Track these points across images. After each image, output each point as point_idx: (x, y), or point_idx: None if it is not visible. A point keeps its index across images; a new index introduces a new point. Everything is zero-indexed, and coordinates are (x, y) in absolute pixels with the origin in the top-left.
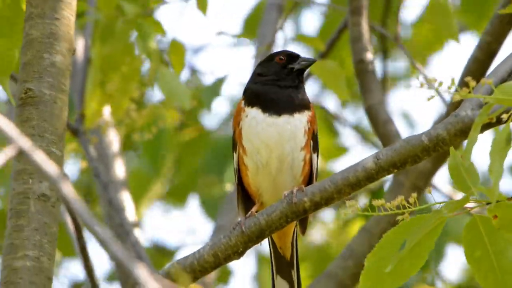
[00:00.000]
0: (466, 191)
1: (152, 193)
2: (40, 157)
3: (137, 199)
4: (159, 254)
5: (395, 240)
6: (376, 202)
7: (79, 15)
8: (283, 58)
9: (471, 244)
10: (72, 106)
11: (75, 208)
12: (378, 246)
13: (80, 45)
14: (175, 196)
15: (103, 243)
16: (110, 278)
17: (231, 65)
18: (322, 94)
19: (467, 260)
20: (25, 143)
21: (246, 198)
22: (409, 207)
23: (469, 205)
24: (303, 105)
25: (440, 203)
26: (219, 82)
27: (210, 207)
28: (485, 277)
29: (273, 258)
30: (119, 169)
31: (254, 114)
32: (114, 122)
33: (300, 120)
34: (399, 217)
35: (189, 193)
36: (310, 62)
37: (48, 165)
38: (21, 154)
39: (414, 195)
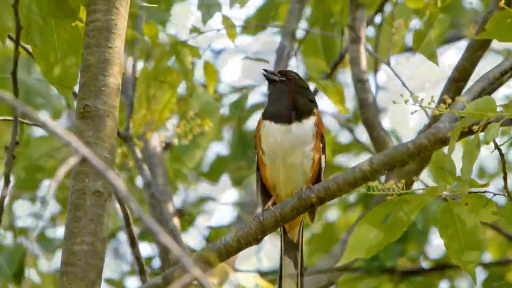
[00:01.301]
0: (444, 182)
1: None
2: (98, 162)
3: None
4: None
5: (382, 213)
6: (372, 183)
7: (129, 41)
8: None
9: (445, 224)
10: (122, 116)
11: (127, 202)
12: (367, 217)
13: (129, 64)
14: (210, 177)
15: (151, 231)
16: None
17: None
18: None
19: (441, 236)
20: (86, 151)
21: (264, 190)
22: (398, 190)
23: (446, 193)
24: (309, 111)
25: (423, 189)
26: (243, 97)
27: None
28: (454, 251)
29: (282, 242)
30: (160, 167)
31: (269, 124)
32: (157, 129)
33: (308, 125)
34: (389, 197)
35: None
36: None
37: (104, 167)
38: (83, 160)
39: (403, 181)
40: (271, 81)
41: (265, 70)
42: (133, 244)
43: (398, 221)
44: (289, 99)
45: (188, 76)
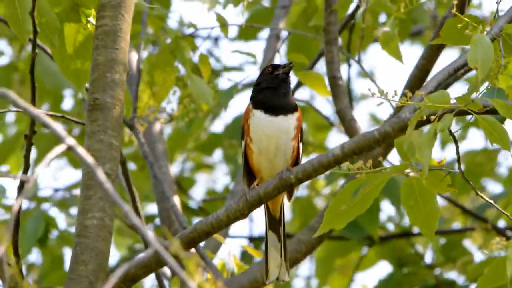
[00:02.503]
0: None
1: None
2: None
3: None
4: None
5: (352, 189)
6: (343, 164)
7: (134, 34)
8: (269, 68)
9: (406, 196)
10: (128, 104)
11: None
12: (340, 193)
13: (134, 56)
14: (204, 152)
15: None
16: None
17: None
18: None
19: (404, 207)
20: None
21: (249, 173)
22: (366, 169)
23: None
24: (292, 108)
25: (387, 168)
26: (234, 87)
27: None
28: (415, 218)
29: (266, 218)
30: (161, 149)
31: (258, 114)
32: (157, 113)
33: (291, 119)
34: (357, 176)
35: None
36: (288, 66)
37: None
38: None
39: (370, 161)
40: (285, 76)
41: (285, 65)
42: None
43: (366, 195)
44: (283, 95)
45: (186, 65)
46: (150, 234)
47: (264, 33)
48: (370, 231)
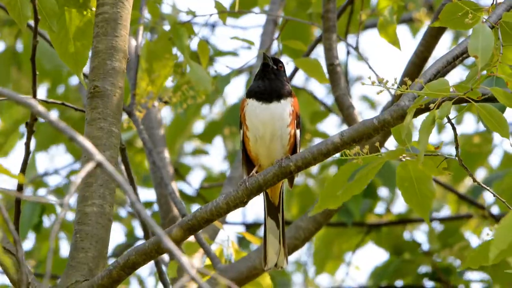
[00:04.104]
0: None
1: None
2: (110, 167)
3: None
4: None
5: (347, 171)
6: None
7: (133, 20)
8: (264, 60)
9: (402, 178)
10: (127, 90)
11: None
12: (335, 175)
13: (133, 43)
14: (204, 138)
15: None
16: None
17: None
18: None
19: (399, 188)
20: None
21: (248, 161)
22: (362, 154)
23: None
24: (287, 93)
25: (383, 153)
26: (231, 74)
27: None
28: (410, 199)
29: (265, 204)
30: (160, 135)
31: (252, 102)
32: (156, 99)
33: (285, 105)
34: (354, 160)
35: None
36: (275, 60)
37: (116, 172)
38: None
39: (367, 146)
40: (266, 65)
41: (266, 55)
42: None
43: (361, 178)
44: (273, 83)
45: (185, 52)
46: (153, 221)
47: (259, 18)
48: (353, 210)
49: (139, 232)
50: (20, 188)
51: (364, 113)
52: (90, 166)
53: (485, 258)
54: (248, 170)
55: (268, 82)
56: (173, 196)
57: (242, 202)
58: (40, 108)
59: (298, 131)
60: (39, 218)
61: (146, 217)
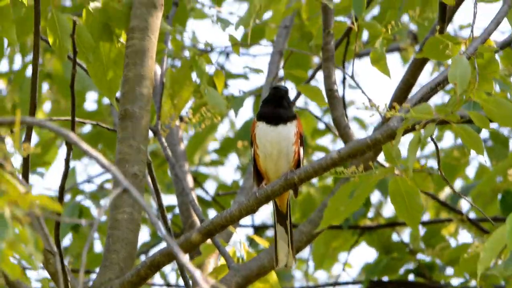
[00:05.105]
0: (393, 164)
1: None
2: (135, 192)
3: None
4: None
5: (347, 190)
6: (338, 169)
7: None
8: (273, 90)
9: (394, 193)
10: (153, 112)
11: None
12: (337, 193)
13: (158, 70)
14: (220, 153)
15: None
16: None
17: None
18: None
19: (392, 203)
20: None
21: (258, 174)
22: (357, 172)
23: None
24: (291, 117)
25: (376, 171)
26: (243, 96)
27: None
28: (401, 213)
29: (275, 213)
30: (181, 151)
31: (261, 125)
32: (178, 121)
33: (291, 127)
34: (352, 179)
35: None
36: (285, 89)
37: (139, 195)
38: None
39: (361, 166)
40: (280, 96)
41: (279, 86)
42: (162, 214)
43: (359, 195)
44: (281, 109)
45: (203, 79)
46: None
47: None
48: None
49: None
50: (60, 199)
51: (356, 133)
52: (118, 190)
53: (473, 266)
54: (258, 182)
55: (277, 109)
56: (193, 204)
57: (253, 210)
58: (76, 138)
59: (301, 149)
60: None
61: (166, 237)
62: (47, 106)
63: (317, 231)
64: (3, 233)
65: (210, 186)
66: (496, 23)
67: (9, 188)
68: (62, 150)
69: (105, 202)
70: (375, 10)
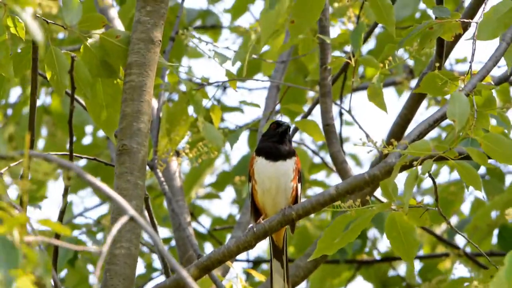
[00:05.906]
0: (390, 199)
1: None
2: (142, 221)
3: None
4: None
5: (342, 222)
6: (335, 203)
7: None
8: (274, 125)
9: (390, 229)
10: (150, 147)
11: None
12: (333, 224)
13: (155, 105)
14: (217, 188)
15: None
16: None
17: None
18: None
19: (387, 237)
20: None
21: (255, 209)
22: (354, 206)
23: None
24: (291, 153)
25: (374, 205)
26: (239, 130)
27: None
28: (397, 248)
29: (271, 248)
30: (178, 185)
31: (260, 160)
32: (175, 155)
33: (290, 163)
34: (348, 212)
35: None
36: (287, 125)
37: (147, 225)
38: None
39: (359, 200)
40: (284, 133)
41: (281, 121)
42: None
43: (355, 227)
44: (281, 145)
45: (200, 114)
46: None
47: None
48: (347, 250)
49: (156, 264)
50: (58, 236)
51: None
52: (124, 219)
53: None
54: (256, 217)
55: (277, 144)
56: (190, 239)
57: (250, 246)
58: (80, 170)
59: (299, 185)
60: (74, 254)
61: (175, 265)
62: (41, 141)
63: (313, 261)
64: (15, 261)
65: (206, 220)
66: (494, 60)
67: (7, 215)
68: (52, 184)
69: (110, 231)
70: (371, 44)
